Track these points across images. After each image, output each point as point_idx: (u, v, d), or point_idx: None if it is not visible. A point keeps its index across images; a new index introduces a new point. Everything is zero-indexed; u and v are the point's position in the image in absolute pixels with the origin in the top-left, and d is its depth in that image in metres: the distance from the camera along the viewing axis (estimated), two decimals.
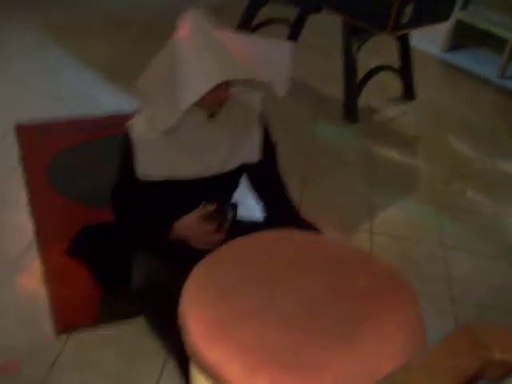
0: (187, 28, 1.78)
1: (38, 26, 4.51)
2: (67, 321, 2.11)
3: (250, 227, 1.88)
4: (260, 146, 2.04)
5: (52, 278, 2.27)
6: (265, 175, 2.13)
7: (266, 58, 1.83)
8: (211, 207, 1.94)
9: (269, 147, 2.09)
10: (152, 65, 1.89)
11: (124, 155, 1.97)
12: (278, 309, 1.44)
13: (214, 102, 1.83)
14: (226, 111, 1.92)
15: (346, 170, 3.23)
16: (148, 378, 1.95)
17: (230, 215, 1.94)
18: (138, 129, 1.92)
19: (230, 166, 2.01)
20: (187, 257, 1.69)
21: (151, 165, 1.92)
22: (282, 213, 2.14)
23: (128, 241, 2.05)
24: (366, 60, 3.98)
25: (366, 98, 3.91)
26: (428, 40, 4.93)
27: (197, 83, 1.69)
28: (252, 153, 2.04)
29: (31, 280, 2.27)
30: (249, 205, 2.27)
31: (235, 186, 2.19)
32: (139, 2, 5.35)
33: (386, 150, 3.48)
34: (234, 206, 2.00)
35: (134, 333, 2.08)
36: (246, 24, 4.34)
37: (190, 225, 1.93)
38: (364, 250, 1.74)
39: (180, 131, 1.87)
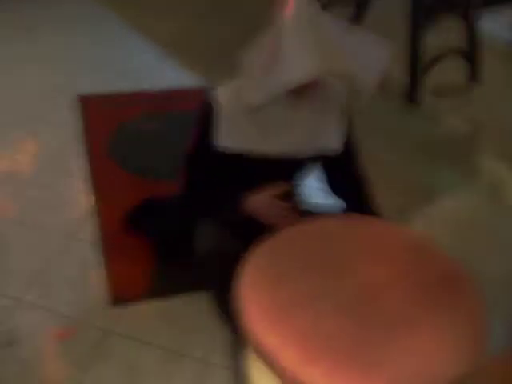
0: (293, 7, 1.73)
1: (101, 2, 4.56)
2: (123, 292, 2.14)
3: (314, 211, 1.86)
4: (342, 135, 2.00)
5: (109, 248, 2.31)
6: (343, 171, 2.08)
7: (364, 55, 1.80)
8: (286, 187, 1.92)
9: (350, 143, 2.04)
10: (261, 39, 1.84)
11: (205, 122, 1.94)
12: (335, 296, 1.41)
13: (304, 86, 1.81)
14: (312, 94, 1.88)
15: (405, 150, 3.16)
16: (196, 351, 1.97)
17: (301, 197, 1.92)
18: (224, 98, 1.90)
19: (308, 149, 1.97)
20: (252, 232, 1.68)
21: (231, 136, 1.90)
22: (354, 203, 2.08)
23: (192, 210, 2.04)
24: (433, 42, 3.87)
25: (431, 80, 3.81)
26: (496, 23, 4.76)
27: (294, 71, 1.67)
28: (333, 139, 1.99)
29: (89, 249, 2.31)
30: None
31: (301, 170, 2.13)
32: None
33: (448, 134, 3.38)
34: (300, 194, 1.99)
35: (186, 307, 2.10)
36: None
37: (264, 200, 1.90)
38: (429, 240, 1.68)
39: (265, 107, 1.84)
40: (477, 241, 2.60)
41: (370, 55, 1.82)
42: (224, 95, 1.90)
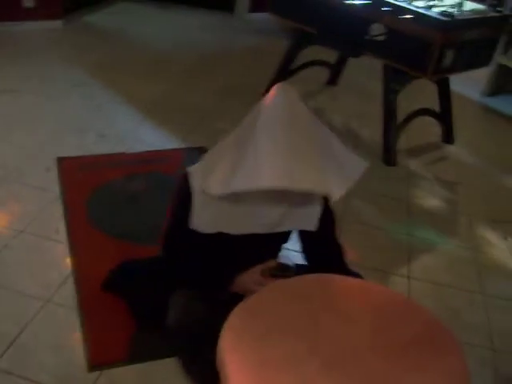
0: (270, 106, 1.75)
1: (83, 65, 4.66)
2: (100, 356, 2.10)
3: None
4: (318, 217, 1.96)
5: (87, 312, 2.27)
6: (319, 242, 2.05)
7: (337, 167, 1.80)
8: (273, 264, 1.91)
9: (327, 215, 2.01)
10: (238, 126, 1.86)
11: (181, 200, 1.94)
12: (318, 357, 1.40)
13: None
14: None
15: (384, 212, 3.21)
16: None
17: (291, 273, 1.90)
18: (197, 179, 1.88)
19: (283, 228, 1.95)
20: (228, 301, 1.67)
21: (206, 217, 1.89)
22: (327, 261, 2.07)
23: (167, 279, 2.04)
24: (405, 103, 3.98)
25: (405, 141, 3.91)
26: (468, 84, 4.92)
27: (255, 176, 1.65)
28: (309, 221, 1.96)
29: (67, 312, 2.28)
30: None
31: (285, 241, 2.13)
32: (183, 44, 5.49)
33: (424, 194, 3.44)
34: (293, 266, 1.98)
35: (166, 372, 2.06)
36: (287, 65, 4.39)
37: (253, 280, 1.88)
38: (405, 297, 1.69)
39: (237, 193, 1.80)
40: (456, 298, 2.62)
41: (344, 169, 1.82)
42: (195, 176, 1.89)
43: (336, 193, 1.78)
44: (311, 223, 1.96)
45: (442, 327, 1.55)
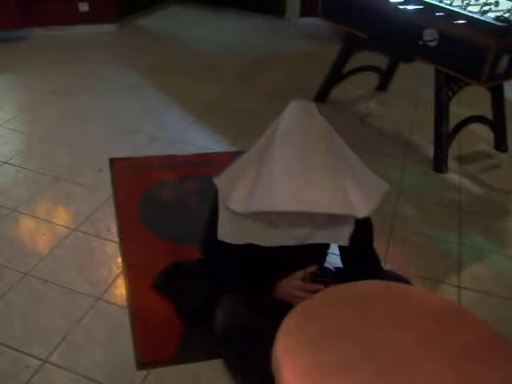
0: (287, 123, 1.75)
1: (137, 67, 4.75)
2: (149, 355, 2.14)
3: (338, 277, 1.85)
4: (350, 232, 1.88)
5: (137, 310, 2.32)
6: (356, 254, 2.02)
7: (358, 185, 1.78)
8: (313, 268, 1.90)
9: (364, 228, 1.96)
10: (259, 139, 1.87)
11: (212, 211, 1.96)
12: (372, 363, 1.40)
13: None
14: None
15: (435, 220, 3.16)
16: None
17: (330, 276, 1.90)
18: (221, 191, 1.90)
19: (314, 241, 1.89)
20: (274, 307, 1.67)
21: (231, 229, 1.89)
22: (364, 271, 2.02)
23: (215, 282, 2.06)
24: (458, 109, 3.93)
25: (457, 148, 3.85)
26: None
27: (270, 197, 1.66)
28: (340, 236, 1.88)
29: (117, 311, 2.33)
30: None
31: (326, 249, 2.12)
32: (234, 48, 5.54)
33: (475, 202, 3.38)
34: (332, 270, 1.98)
35: (212, 373, 2.08)
36: (338, 70, 4.38)
37: (294, 285, 1.88)
38: (458, 306, 1.67)
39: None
40: (506, 308, 2.57)
41: (367, 191, 1.80)
42: (219, 189, 1.91)
43: (360, 211, 1.76)
44: (342, 239, 1.89)
45: (496, 336, 1.53)
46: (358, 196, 1.76)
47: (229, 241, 1.89)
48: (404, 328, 1.53)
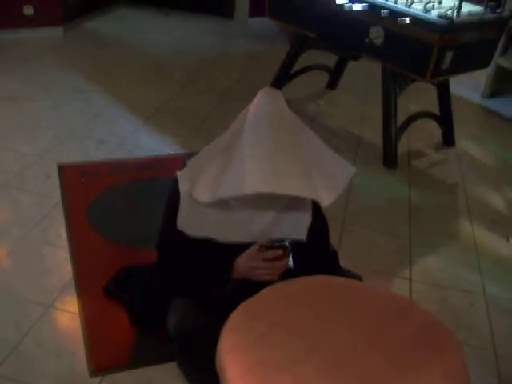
0: (256, 110, 1.76)
1: (84, 71, 4.67)
2: (102, 362, 2.10)
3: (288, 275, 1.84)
4: (307, 226, 1.91)
5: (89, 317, 2.28)
6: (312, 251, 1.98)
7: (323, 172, 1.80)
8: (265, 240, 1.84)
9: (319, 223, 1.99)
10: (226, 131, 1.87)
11: (170, 202, 1.94)
12: (315, 358, 1.41)
13: None
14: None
15: (385, 215, 3.21)
16: None
17: (288, 242, 1.84)
18: (185, 183, 1.89)
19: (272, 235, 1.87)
20: (225, 304, 1.66)
21: (191, 222, 1.88)
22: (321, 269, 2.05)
23: (167, 284, 2.04)
24: (405, 106, 3.99)
25: (405, 144, 3.91)
26: (468, 86, 4.93)
27: (240, 182, 1.66)
28: (298, 230, 1.90)
29: (68, 318, 2.29)
30: None
31: None
32: (182, 49, 5.51)
33: (425, 197, 3.44)
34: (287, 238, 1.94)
35: (167, 376, 2.06)
36: (288, 69, 4.40)
37: (254, 255, 1.84)
38: (405, 298, 1.69)
39: (225, 199, 1.80)
40: (457, 300, 2.62)
41: (332, 174, 1.83)
42: (182, 180, 1.90)
43: (325, 199, 1.78)
44: (301, 232, 1.90)
45: (441, 327, 1.56)
46: (323, 184, 1.78)
47: (186, 231, 1.87)
48: (348, 322, 1.54)
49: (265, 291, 1.66)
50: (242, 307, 1.58)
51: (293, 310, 1.58)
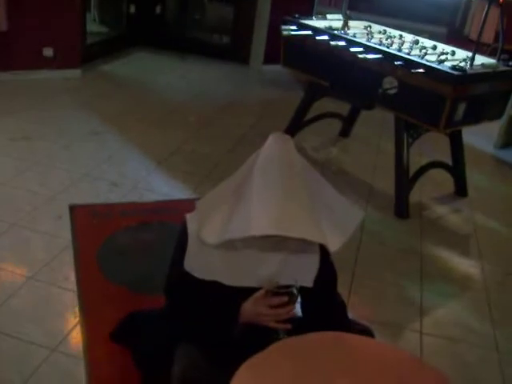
0: (265, 154, 1.76)
1: (99, 113, 4.73)
2: None
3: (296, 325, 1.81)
4: (315, 272, 1.91)
5: (93, 362, 2.25)
6: (319, 300, 1.96)
7: (332, 217, 1.80)
8: (273, 283, 1.80)
9: (327, 271, 1.96)
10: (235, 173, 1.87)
11: (179, 243, 1.93)
12: None
13: None
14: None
15: (396, 265, 3.17)
16: None
17: (295, 289, 1.84)
18: (193, 224, 1.88)
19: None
20: (231, 355, 1.63)
21: (198, 263, 1.87)
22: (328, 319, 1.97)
23: (173, 331, 2.01)
24: (418, 155, 3.99)
25: (417, 194, 3.90)
26: (481, 137, 4.94)
27: (248, 224, 1.65)
28: (305, 276, 1.87)
29: (73, 363, 2.25)
30: None
31: None
32: (197, 95, 5.58)
33: (437, 248, 3.41)
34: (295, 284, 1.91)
35: None
36: (301, 116, 4.43)
37: (259, 301, 1.80)
38: (416, 359, 1.65)
39: (233, 241, 1.78)
40: (469, 354, 2.57)
41: (341, 219, 1.81)
42: (191, 223, 1.89)
43: (333, 244, 1.76)
44: (308, 279, 1.89)
45: None
46: (331, 229, 1.76)
47: (193, 273, 1.85)
48: (356, 381, 1.50)
49: (271, 348, 1.62)
50: (248, 363, 1.54)
51: (298, 367, 1.54)
